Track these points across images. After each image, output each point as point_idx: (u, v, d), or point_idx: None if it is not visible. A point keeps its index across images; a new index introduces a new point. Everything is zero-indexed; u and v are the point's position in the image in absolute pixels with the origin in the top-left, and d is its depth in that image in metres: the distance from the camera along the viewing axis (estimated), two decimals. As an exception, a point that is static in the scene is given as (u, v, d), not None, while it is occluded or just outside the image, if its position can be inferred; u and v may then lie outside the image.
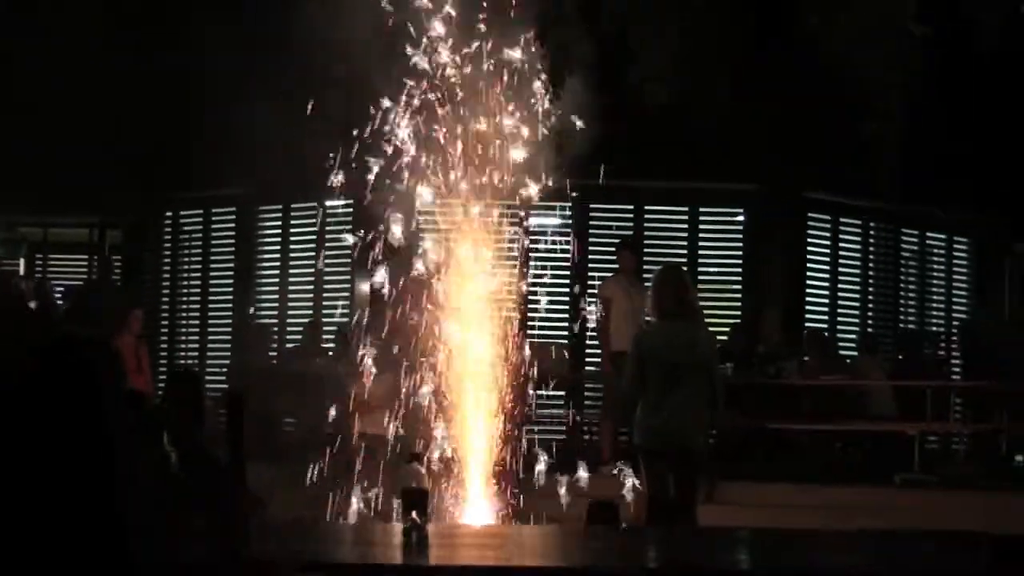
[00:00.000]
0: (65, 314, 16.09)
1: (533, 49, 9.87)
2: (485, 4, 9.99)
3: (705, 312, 14.16)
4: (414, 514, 4.85)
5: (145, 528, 4.13)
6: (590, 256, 15.76)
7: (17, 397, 4.13)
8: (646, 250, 15.85)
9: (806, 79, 12.47)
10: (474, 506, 9.46)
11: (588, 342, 15.32)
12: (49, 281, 17.66)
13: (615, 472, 11.13)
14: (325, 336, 16.01)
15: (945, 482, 13.10)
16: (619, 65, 11.44)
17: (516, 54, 9.91)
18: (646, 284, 12.45)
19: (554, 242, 13.48)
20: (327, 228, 16.42)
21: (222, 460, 5.20)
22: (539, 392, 14.10)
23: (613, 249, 14.52)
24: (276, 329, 17.16)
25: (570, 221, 15.66)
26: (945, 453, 14.62)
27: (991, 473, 14.25)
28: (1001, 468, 14.96)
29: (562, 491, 9.76)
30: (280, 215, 17.41)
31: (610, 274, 14.16)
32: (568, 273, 14.92)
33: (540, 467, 10.27)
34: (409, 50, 10.01)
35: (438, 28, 10.10)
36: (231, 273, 17.96)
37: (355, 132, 9.88)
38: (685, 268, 13.35)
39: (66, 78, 15.47)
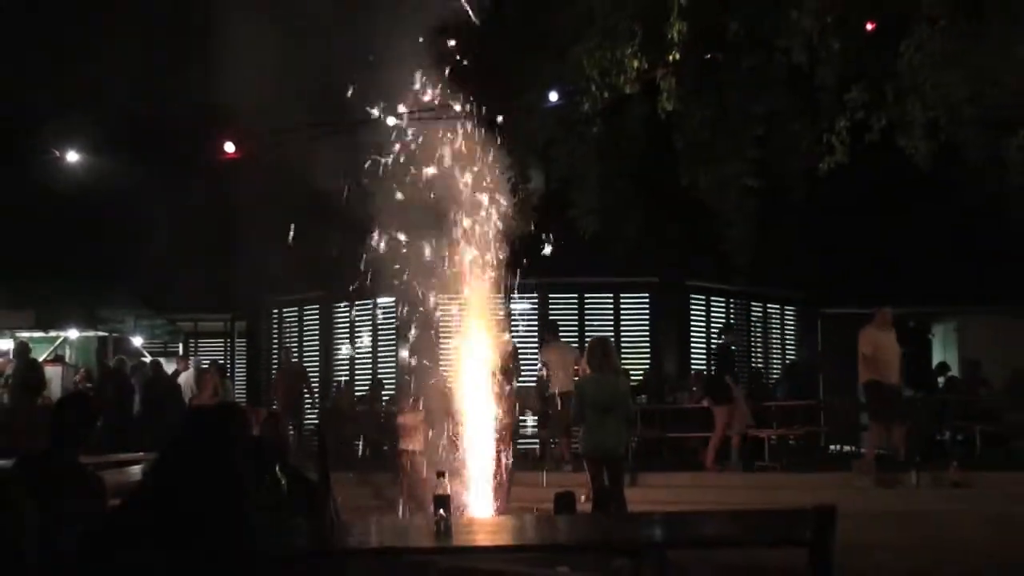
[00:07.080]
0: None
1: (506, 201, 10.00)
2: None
3: (626, 363, 14.20)
4: (441, 512, 4.82)
5: (258, 529, 4.12)
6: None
7: (177, 446, 4.14)
8: (586, 325, 15.95)
9: (685, 212, 12.63)
10: (479, 501, 9.44)
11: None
12: (209, 364, 16.18)
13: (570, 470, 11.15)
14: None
15: (786, 467, 13.07)
16: (563, 204, 11.66)
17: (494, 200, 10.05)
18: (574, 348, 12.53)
19: (526, 319, 13.47)
20: (379, 318, 16.56)
21: (313, 479, 5.15)
22: (522, 419, 14.07)
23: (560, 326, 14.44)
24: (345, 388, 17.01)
25: (536, 305, 15.75)
26: (785, 447, 14.56)
27: (814, 460, 14.26)
28: (821, 456, 15.07)
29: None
30: (347, 310, 17.40)
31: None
32: (536, 338, 14.91)
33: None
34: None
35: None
36: (317, 351, 17.85)
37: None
38: (612, 336, 13.48)
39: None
